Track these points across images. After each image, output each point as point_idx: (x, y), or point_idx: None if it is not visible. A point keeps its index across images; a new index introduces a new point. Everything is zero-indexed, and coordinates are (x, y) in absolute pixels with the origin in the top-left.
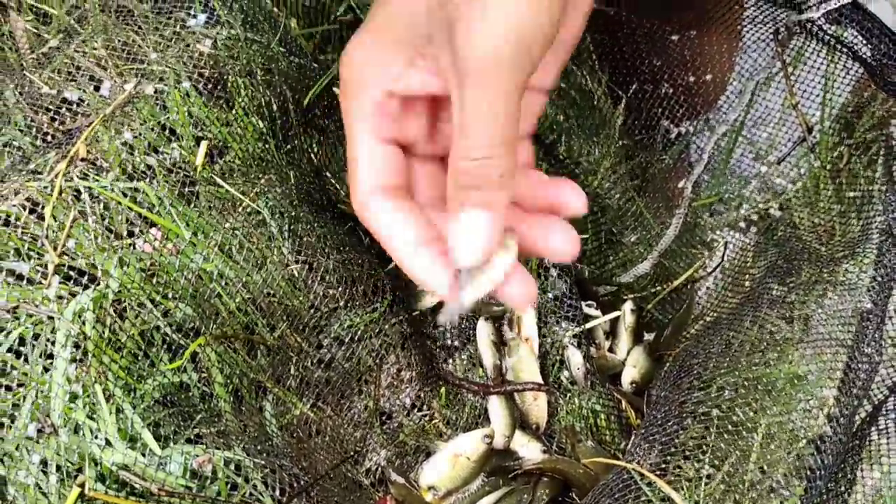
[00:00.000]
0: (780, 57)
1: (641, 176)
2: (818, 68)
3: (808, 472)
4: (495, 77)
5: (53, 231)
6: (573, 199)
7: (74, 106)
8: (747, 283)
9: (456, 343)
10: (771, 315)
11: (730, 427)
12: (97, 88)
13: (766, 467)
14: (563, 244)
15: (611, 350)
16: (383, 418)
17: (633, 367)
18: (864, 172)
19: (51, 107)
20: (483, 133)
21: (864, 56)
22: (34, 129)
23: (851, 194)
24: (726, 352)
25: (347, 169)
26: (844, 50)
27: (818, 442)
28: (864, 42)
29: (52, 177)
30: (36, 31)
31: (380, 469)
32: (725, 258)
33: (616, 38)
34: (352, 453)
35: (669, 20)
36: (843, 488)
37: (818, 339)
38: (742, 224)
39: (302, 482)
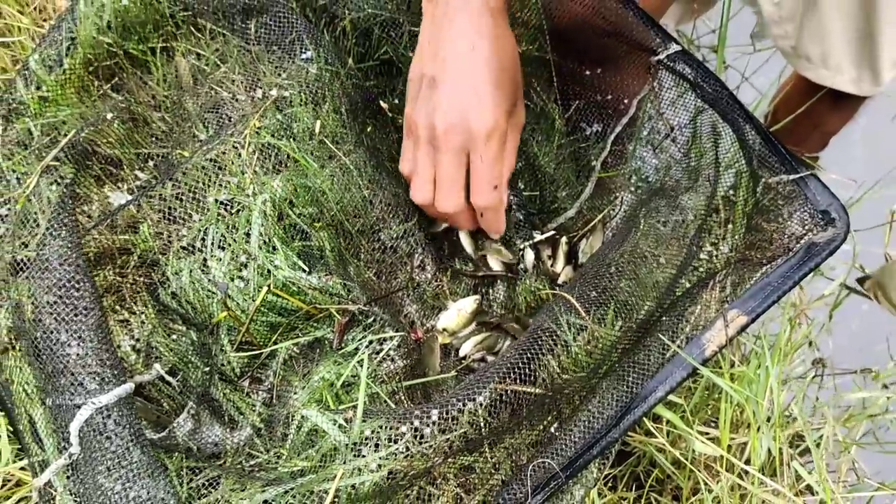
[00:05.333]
0: (650, 83)
1: (571, 156)
2: (672, 89)
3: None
4: None
5: (248, 163)
6: None
7: (241, 103)
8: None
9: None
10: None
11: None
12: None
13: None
14: None
15: (552, 267)
16: (414, 285)
17: (565, 276)
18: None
19: (223, 105)
20: None
21: (698, 83)
22: (213, 120)
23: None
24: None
25: None
26: (686, 81)
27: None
28: (697, 75)
29: (244, 135)
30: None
31: (412, 316)
32: (622, 208)
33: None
34: (397, 290)
35: (584, 62)
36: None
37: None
38: (632, 188)
39: (370, 298)
